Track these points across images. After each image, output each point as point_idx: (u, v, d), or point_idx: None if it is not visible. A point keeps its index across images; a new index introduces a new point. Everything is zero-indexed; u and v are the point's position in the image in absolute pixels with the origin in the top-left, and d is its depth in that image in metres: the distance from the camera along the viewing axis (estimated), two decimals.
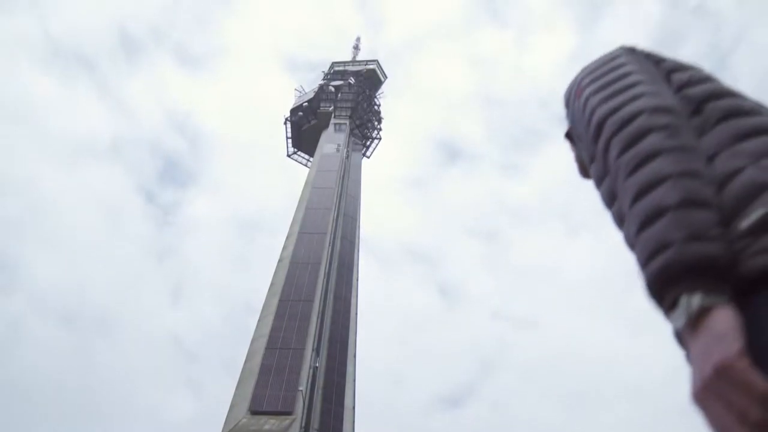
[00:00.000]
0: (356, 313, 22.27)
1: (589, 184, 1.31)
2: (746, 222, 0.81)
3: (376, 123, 37.84)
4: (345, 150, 30.70)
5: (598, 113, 1.09)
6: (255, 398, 16.39)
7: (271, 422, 15.73)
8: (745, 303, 0.76)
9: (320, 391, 17.64)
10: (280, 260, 22.02)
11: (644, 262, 0.84)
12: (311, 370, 17.46)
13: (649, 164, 0.92)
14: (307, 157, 36.69)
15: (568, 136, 1.34)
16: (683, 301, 0.77)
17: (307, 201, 25.13)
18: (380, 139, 37.40)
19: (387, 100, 41.72)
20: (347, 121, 34.46)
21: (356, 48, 44.10)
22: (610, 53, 1.29)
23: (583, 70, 1.28)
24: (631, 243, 0.91)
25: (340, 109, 35.51)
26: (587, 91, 1.18)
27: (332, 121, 34.47)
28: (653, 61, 1.23)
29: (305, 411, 16.32)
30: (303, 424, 16.09)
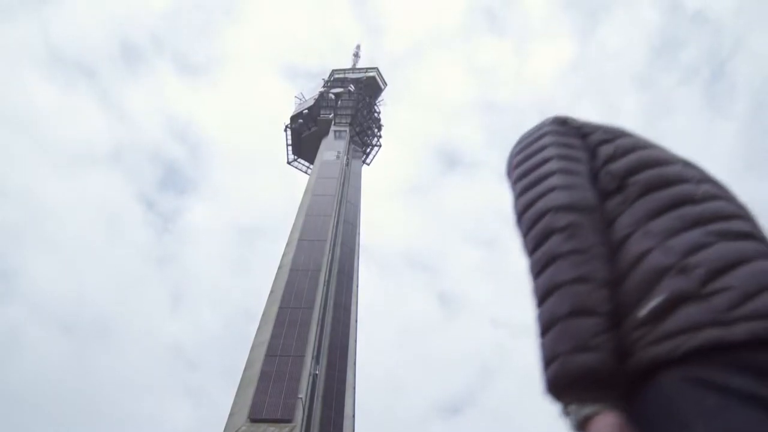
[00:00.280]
0: (356, 320, 22.23)
1: None
2: (643, 311, 0.83)
3: (376, 130, 37.89)
4: (345, 157, 30.73)
5: (518, 205, 1.13)
6: (254, 406, 16.32)
7: (270, 430, 15.65)
8: (638, 393, 0.80)
9: (320, 399, 17.58)
10: (279, 267, 22.00)
11: (542, 370, 0.89)
12: (311, 378, 17.40)
13: (546, 270, 0.95)
14: (307, 164, 36.72)
15: None
16: (571, 408, 0.83)
17: (307, 208, 25.13)
18: (380, 146, 37.44)
19: (387, 107, 41.78)
20: (347, 128, 34.51)
21: (356, 55, 44.25)
22: (540, 128, 1.28)
23: (517, 143, 1.29)
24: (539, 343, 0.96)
25: (340, 117, 35.57)
26: (514, 174, 1.20)
27: (332, 128, 34.51)
28: (583, 134, 1.22)
29: (305, 419, 16.25)
30: None
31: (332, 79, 40.32)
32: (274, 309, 19.49)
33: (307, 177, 32.88)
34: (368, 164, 36.68)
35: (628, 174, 1.05)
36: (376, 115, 38.49)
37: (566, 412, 0.84)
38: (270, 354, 17.78)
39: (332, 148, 31.51)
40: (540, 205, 1.04)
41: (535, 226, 1.02)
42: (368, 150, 37.01)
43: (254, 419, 16.06)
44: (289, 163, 37.55)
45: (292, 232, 24.13)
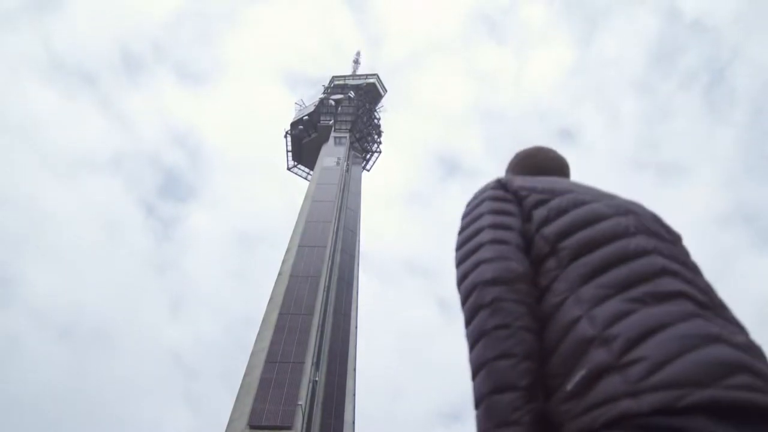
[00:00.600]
0: (356, 327, 22.18)
1: None
2: (570, 384, 0.86)
3: (376, 136, 37.95)
4: (345, 163, 30.76)
5: (457, 274, 1.16)
6: (254, 412, 16.26)
7: None
8: None
9: (320, 406, 17.52)
10: (279, 273, 21.97)
11: None
12: (311, 384, 17.35)
13: (476, 347, 0.99)
14: (307, 170, 36.75)
15: None
16: None
17: (307, 214, 25.12)
18: (380, 152, 37.50)
19: (387, 113, 41.71)
20: (347, 135, 34.55)
21: (356, 62, 44.37)
22: (483, 192, 1.31)
23: (467, 205, 1.32)
24: None
25: (340, 123, 35.62)
26: (457, 241, 1.24)
27: (332, 134, 34.56)
28: (519, 198, 1.24)
29: (305, 425, 16.19)
30: None
31: (332, 85, 40.41)
32: (274, 315, 19.45)
33: (307, 183, 32.92)
34: (368, 170, 36.76)
35: (559, 238, 1.08)
36: (376, 121, 38.57)
37: None
38: (270, 360, 17.73)
39: (332, 155, 31.54)
40: (470, 279, 1.09)
41: (468, 301, 1.07)
42: (368, 156, 37.07)
43: (254, 426, 16.00)
44: (289, 169, 37.63)
45: (291, 238, 24.12)
